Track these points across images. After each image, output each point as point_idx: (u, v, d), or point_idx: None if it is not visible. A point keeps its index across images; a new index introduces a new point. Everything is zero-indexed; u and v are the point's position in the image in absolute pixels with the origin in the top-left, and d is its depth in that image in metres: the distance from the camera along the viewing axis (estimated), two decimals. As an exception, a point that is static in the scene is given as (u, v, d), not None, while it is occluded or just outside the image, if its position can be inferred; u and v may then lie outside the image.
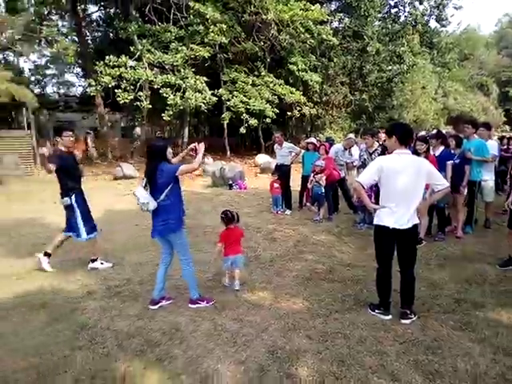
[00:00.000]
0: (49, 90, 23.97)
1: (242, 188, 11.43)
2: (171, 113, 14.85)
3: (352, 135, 8.16)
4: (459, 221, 5.98)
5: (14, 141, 15.23)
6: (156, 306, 3.74)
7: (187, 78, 15.00)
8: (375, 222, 3.46)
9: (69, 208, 4.87)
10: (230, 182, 11.48)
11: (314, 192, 7.27)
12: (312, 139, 8.57)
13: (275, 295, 3.99)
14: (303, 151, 8.37)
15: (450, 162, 5.60)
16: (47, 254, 4.84)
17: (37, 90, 19.75)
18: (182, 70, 15.13)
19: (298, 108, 18.26)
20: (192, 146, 3.90)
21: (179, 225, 3.66)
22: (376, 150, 6.66)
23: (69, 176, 4.83)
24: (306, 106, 18.24)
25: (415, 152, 5.57)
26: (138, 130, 22.52)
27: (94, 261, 4.99)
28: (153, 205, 3.53)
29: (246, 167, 15.40)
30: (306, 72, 18.09)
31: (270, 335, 3.20)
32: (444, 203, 5.84)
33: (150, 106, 15.14)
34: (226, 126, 19.17)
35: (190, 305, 3.76)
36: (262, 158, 16.46)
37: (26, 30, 13.35)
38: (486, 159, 5.95)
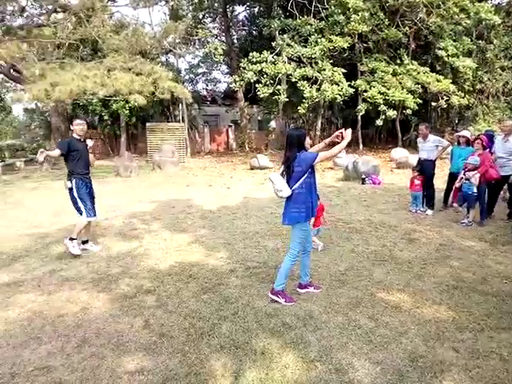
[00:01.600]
0: (199, 86, 26.82)
1: (376, 183, 10.92)
2: (306, 105, 15.06)
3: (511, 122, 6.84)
4: None
5: (170, 132, 17.66)
6: (303, 291, 3.90)
7: (324, 70, 14.96)
8: None
9: (70, 191, 5.19)
10: (363, 177, 11.08)
11: (463, 191, 6.49)
12: (465, 132, 7.63)
13: (415, 300, 3.73)
14: (452, 146, 7.53)
15: None
16: (71, 239, 5.06)
17: (189, 87, 22.31)
18: (320, 63, 15.15)
19: (446, 98, 16.43)
20: (338, 132, 3.85)
21: (307, 215, 3.63)
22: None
23: (74, 162, 5.15)
24: (456, 95, 16.29)
25: None
26: (273, 123, 23.54)
27: (84, 242, 5.38)
28: (287, 192, 3.56)
29: (380, 162, 14.62)
30: (458, 57, 16.12)
31: (409, 340, 3.01)
32: None
33: (287, 100, 15.62)
34: (360, 118, 18.52)
35: (270, 294, 3.71)
36: (399, 153, 15.37)
37: (184, 34, 15.18)
38: None
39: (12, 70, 13.18)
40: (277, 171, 3.73)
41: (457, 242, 5.54)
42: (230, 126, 24.13)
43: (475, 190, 6.25)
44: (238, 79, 15.89)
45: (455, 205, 7.02)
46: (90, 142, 5.39)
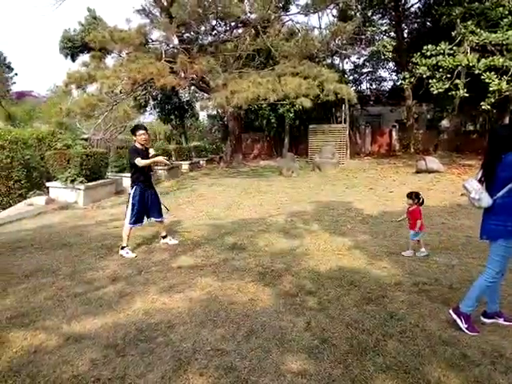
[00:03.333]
0: (363, 86, 26.07)
1: None
2: (492, 100, 12.85)
3: None
4: None
5: (331, 133, 17.69)
6: (489, 321, 3.32)
7: (519, 57, 12.47)
8: None
9: (129, 196, 5.37)
10: None
11: None
12: None
13: None
14: None
15: None
16: (122, 247, 5.32)
17: (353, 88, 21.87)
18: (514, 49, 12.69)
19: None
20: None
21: (502, 233, 3.02)
22: None
23: (138, 170, 5.25)
24: None
25: None
26: (444, 121, 20.98)
27: (164, 237, 5.85)
28: (487, 202, 3.06)
29: None
30: None
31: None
32: None
33: (466, 95, 13.67)
34: None
35: (451, 311, 3.29)
36: None
37: (352, 34, 14.90)
38: None
39: (201, 82, 15.39)
40: (471, 178, 3.23)
41: None
42: (394, 126, 22.64)
43: None
44: (407, 76, 14.73)
45: None
46: (152, 151, 5.52)
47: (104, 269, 4.79)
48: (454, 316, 3.24)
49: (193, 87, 20.05)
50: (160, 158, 5.42)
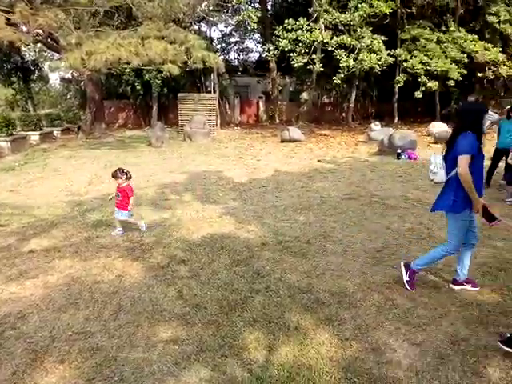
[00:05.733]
0: (231, 56, 26.30)
1: (412, 158, 10.48)
2: (342, 76, 14.46)
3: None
4: None
5: (202, 103, 17.53)
6: (458, 287, 3.39)
7: (363, 37, 14.22)
8: None
9: None
10: (399, 151, 10.65)
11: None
12: (516, 105, 7.07)
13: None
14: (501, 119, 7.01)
15: None
16: None
17: (222, 57, 21.90)
18: (359, 30, 14.39)
19: (493, 68, 15.30)
20: None
21: (463, 206, 3.11)
22: None
23: None
24: (505, 65, 15.12)
25: None
26: (304, 94, 22.86)
27: None
28: (441, 178, 3.22)
29: (416, 136, 13.96)
30: (510, 24, 14.83)
31: (449, 323, 2.88)
32: None
33: (321, 70, 15.03)
34: (397, 89, 17.64)
35: (452, 285, 3.41)
36: (438, 127, 14.58)
37: (218, 1, 14.72)
38: None
39: (50, 39, 13.32)
40: (440, 153, 3.29)
41: (500, 221, 5.23)
42: (261, 97, 23.68)
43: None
44: (271, 48, 15.39)
45: (502, 182, 6.61)
46: None
47: None
48: (403, 268, 3.43)
49: (39, 44, 17.27)
50: None
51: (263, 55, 16.73)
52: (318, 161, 10.36)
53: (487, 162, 7.10)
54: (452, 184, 3.16)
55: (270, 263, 3.93)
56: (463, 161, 2.98)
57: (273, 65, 19.90)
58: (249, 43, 26.75)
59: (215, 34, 30.09)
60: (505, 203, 6.07)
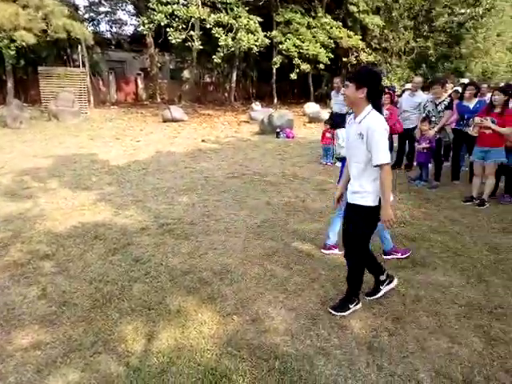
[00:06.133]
0: (102, 28, 23.96)
1: (290, 137, 11.14)
2: (222, 55, 14.42)
3: (420, 79, 7.48)
4: (531, 184, 5.45)
5: (69, 78, 15.63)
6: (328, 251, 3.71)
7: (240, 17, 14.32)
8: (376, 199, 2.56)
9: None
10: (278, 130, 11.20)
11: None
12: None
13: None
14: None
15: None
16: None
17: (90, 28, 19.76)
18: (235, 9, 14.42)
19: (355, 54, 17.05)
20: None
21: None
22: (443, 101, 6.08)
23: None
24: (364, 51, 16.99)
25: (491, 104, 5.03)
26: (186, 72, 22.27)
27: None
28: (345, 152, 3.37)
29: (294, 116, 14.92)
30: (368, 14, 16.67)
31: (320, 285, 3.14)
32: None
33: (201, 47, 14.75)
34: (275, 71, 18.43)
35: (384, 256, 3.61)
36: (312, 107, 15.80)
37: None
38: None
39: None
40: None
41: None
42: (139, 74, 22.30)
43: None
44: (146, 21, 14.42)
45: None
46: None
47: None
48: (327, 251, 3.69)
49: None
50: None
51: (139, 29, 15.62)
52: (202, 141, 10.26)
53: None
54: None
55: (151, 248, 3.75)
56: None
57: (149, 40, 18.82)
58: (122, 15, 24.69)
59: (81, 2, 26.94)
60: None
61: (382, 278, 2.97)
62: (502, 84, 8.89)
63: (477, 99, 5.98)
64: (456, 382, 2.15)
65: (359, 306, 2.84)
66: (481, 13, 18.30)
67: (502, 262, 3.61)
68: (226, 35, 14.15)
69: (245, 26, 14.15)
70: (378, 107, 2.54)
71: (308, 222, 4.55)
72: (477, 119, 5.12)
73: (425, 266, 3.53)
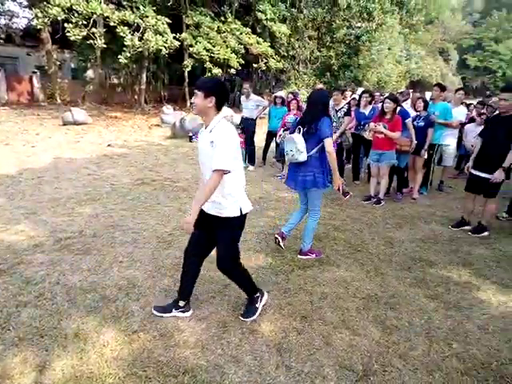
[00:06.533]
0: (-14, 19, 21.23)
1: (204, 141, 11.04)
2: (128, 55, 13.74)
3: (321, 85, 7.93)
4: (417, 183, 6.13)
5: None
6: (304, 257, 3.82)
7: (147, 17, 13.80)
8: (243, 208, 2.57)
9: None
10: (190, 134, 11.04)
11: (280, 148, 7.12)
12: (280, 93, 8.29)
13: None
14: (270, 106, 8.09)
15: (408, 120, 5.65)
16: None
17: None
18: (142, 8, 13.87)
19: (265, 60, 17.59)
20: None
21: (323, 182, 3.61)
22: (342, 108, 6.55)
23: None
24: (273, 58, 17.61)
25: (382, 110, 5.54)
26: (90, 72, 20.81)
27: None
28: (304, 156, 3.52)
29: (208, 119, 14.82)
30: (275, 22, 17.30)
31: (233, 291, 3.12)
32: (404, 165, 5.93)
33: (105, 46, 13.89)
34: (187, 74, 18.18)
35: (299, 256, 3.81)
36: (225, 112, 15.79)
37: None
38: (449, 123, 6.02)
39: None
40: (296, 133, 3.60)
41: (273, 193, 6.10)
42: (35, 72, 20.22)
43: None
44: (40, 15, 13.09)
45: (274, 160, 7.68)
46: None
47: None
48: (305, 257, 3.77)
49: None
50: None
51: (32, 23, 14.11)
52: (108, 145, 9.64)
53: (263, 143, 8.16)
54: (314, 163, 3.58)
55: (45, 267, 3.37)
56: (331, 142, 3.50)
57: (46, 35, 17.17)
58: (12, 5, 22.08)
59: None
60: (277, 178, 7.09)
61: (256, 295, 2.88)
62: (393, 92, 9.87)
63: (371, 106, 6.56)
64: (357, 373, 2.29)
65: (266, 296, 2.94)
66: (374, 27, 20.24)
67: (396, 255, 3.99)
68: (133, 35, 13.53)
69: (153, 26, 13.68)
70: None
71: (220, 227, 4.52)
72: (371, 125, 5.60)
73: (330, 263, 3.74)
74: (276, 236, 3.90)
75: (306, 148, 3.53)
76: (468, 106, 8.87)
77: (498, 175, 4.24)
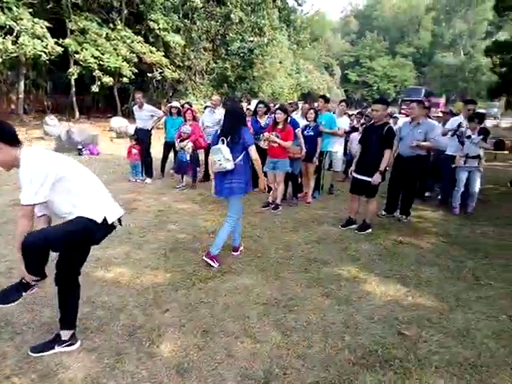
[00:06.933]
0: None
1: (94, 154, 10.31)
2: (0, 60, 12.16)
3: (217, 97, 7.96)
4: (310, 188, 6.54)
5: None
6: (236, 253, 4.18)
7: (22, 19, 12.40)
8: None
9: None
10: (80, 147, 10.20)
11: (178, 159, 6.97)
12: (175, 103, 8.14)
13: (134, 271, 3.66)
14: (166, 116, 7.88)
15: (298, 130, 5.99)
16: None
17: None
18: (15, 9, 12.43)
19: (159, 70, 17.19)
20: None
21: (246, 188, 3.88)
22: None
23: None
24: (168, 68, 17.31)
25: (275, 121, 5.79)
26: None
27: None
28: (232, 164, 3.65)
29: (100, 131, 13.86)
30: (168, 32, 17.04)
31: (128, 314, 2.90)
32: (298, 171, 6.28)
33: (-30, 49, 12.10)
34: (73, 82, 16.79)
35: (204, 257, 3.86)
36: (118, 122, 15.01)
37: None
38: (335, 132, 6.57)
39: None
40: (221, 143, 3.73)
41: (173, 206, 5.92)
42: None
43: (188, 157, 6.82)
44: None
45: (172, 171, 7.48)
46: None
47: None
48: (209, 260, 3.80)
49: None
50: None
51: None
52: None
53: (161, 154, 7.88)
54: (240, 169, 3.75)
55: None
56: (255, 149, 3.77)
57: None
58: None
59: None
60: (176, 189, 6.90)
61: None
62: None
63: (267, 116, 6.82)
64: (259, 381, 2.30)
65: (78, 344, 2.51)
66: (265, 42, 21.29)
67: (293, 258, 4.16)
68: (4, 38, 12.04)
69: (29, 29, 12.33)
70: None
71: (115, 246, 4.21)
72: (266, 134, 5.82)
73: (231, 272, 3.73)
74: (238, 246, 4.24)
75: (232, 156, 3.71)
76: (350, 116, 9.82)
77: (376, 178, 4.76)
